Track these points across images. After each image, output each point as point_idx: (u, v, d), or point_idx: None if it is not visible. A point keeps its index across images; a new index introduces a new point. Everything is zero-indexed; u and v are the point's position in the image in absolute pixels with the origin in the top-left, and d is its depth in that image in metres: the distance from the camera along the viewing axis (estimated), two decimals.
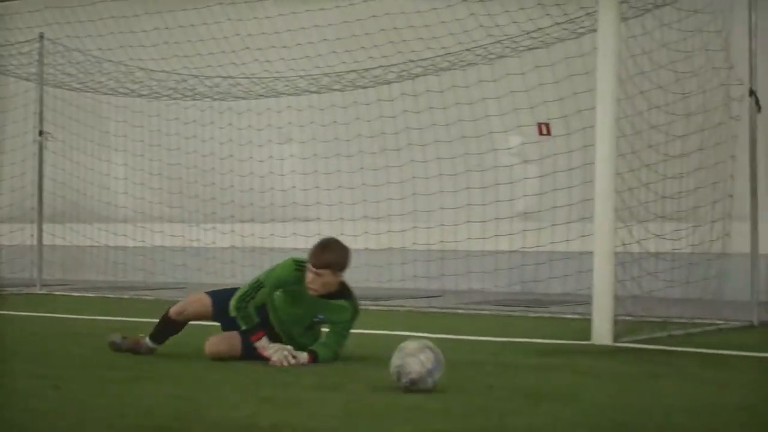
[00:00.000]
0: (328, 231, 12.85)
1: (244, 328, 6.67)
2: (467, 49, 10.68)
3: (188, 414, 4.81)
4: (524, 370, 6.61)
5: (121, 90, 13.12)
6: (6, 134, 15.20)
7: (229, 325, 6.81)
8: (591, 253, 8.06)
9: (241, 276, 13.25)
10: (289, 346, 6.65)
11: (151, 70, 12.66)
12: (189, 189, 13.93)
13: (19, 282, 14.67)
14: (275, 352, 6.58)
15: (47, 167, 14.42)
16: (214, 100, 13.02)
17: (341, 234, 12.42)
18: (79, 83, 13.58)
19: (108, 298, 12.67)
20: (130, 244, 14.77)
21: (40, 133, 13.92)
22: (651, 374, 6.46)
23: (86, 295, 13.10)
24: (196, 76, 12.42)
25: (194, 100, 13.07)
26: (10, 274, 15.32)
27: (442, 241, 12.01)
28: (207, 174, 13.58)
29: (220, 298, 6.83)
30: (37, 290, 13.75)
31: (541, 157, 11.75)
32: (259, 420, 4.64)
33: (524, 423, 4.66)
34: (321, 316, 6.86)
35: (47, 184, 14.45)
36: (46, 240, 14.56)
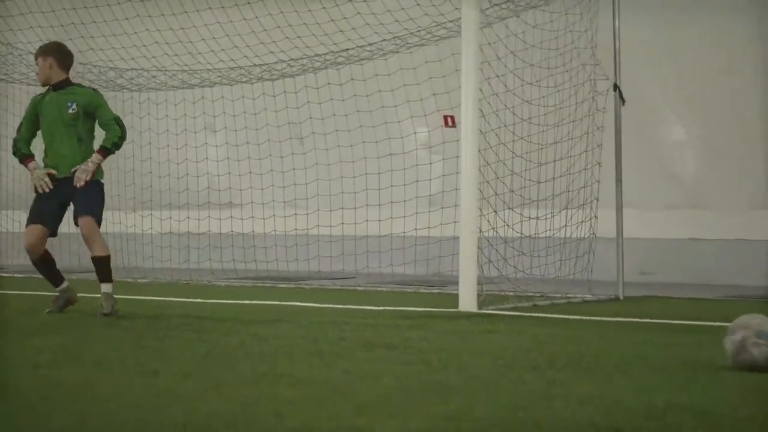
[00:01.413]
0: (239, 214, 13.68)
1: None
2: (359, 46, 11.52)
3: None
4: (379, 328, 7.50)
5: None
6: None
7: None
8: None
9: (161, 259, 13.99)
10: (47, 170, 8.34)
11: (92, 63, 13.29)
12: (110, 175, 14.50)
13: None
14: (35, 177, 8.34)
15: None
16: (132, 91, 13.71)
17: (252, 217, 13.40)
18: (3, 74, 14.12)
19: (30, 278, 13.35)
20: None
21: (17, 129, 14.46)
22: (488, 330, 7.37)
23: (15, 276, 13.75)
24: (114, 69, 13.09)
25: (114, 90, 13.73)
26: None
27: (342, 224, 12.81)
28: (127, 161, 14.20)
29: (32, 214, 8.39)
30: None
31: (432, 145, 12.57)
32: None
33: (349, 365, 5.52)
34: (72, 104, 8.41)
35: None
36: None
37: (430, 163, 12.58)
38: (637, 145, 11.72)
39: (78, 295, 8.77)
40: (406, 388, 4.84)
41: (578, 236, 10.68)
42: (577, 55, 10.53)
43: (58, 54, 8.48)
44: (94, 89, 8.75)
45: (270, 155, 13.28)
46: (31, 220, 8.33)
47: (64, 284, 8.62)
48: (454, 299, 9.12)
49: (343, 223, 12.81)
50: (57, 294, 8.60)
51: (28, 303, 9.49)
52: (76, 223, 8.35)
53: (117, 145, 8.33)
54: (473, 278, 8.90)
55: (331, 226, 12.90)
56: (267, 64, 12.23)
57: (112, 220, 14.39)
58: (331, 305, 9.37)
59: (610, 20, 10.48)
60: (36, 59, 8.57)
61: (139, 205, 14.22)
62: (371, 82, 12.41)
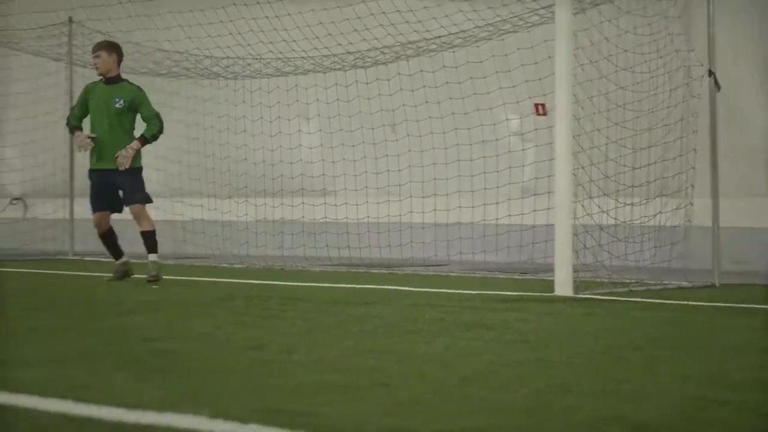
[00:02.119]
0: (333, 201, 13.80)
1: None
2: (451, 33, 11.55)
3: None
4: (476, 310, 7.56)
5: (141, 70, 14.01)
6: (39, 111, 16.03)
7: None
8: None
9: (256, 245, 14.19)
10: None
11: (168, 51, 13.56)
12: (207, 163, 14.78)
13: (52, 252, 15.66)
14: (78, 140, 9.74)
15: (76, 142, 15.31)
16: (227, 79, 13.90)
17: (345, 203, 13.50)
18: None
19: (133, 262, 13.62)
20: (158, 216, 15.55)
21: (71, 109, 14.93)
22: (586, 313, 7.39)
23: (111, 260, 14.04)
24: (209, 57, 13.32)
25: (210, 79, 13.96)
26: (45, 245, 16.25)
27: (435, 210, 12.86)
28: (223, 148, 14.46)
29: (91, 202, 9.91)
30: (69, 257, 14.75)
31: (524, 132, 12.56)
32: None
33: (450, 342, 5.60)
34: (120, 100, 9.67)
35: (78, 159, 15.35)
36: (79, 213, 15.44)
37: (523, 150, 12.58)
38: (732, 132, 11.58)
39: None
40: (509, 363, 4.90)
41: (673, 223, 10.61)
42: (671, 40, 10.45)
43: (120, 51, 9.94)
44: (139, 87, 9.91)
45: (363, 142, 13.38)
46: (92, 208, 9.95)
47: (123, 258, 10.09)
48: (548, 285, 9.11)
49: (435, 210, 12.86)
50: (118, 267, 10.04)
51: (126, 285, 9.72)
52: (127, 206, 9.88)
53: (155, 137, 9.74)
54: (569, 262, 8.89)
55: (423, 212, 12.96)
56: (360, 51, 12.32)
57: (208, 207, 14.67)
58: (426, 289, 9.44)
59: (704, 6, 10.37)
60: (97, 51, 9.85)
61: (234, 191, 14.42)
62: (463, 69, 12.43)
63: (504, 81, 12.20)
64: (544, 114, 12.45)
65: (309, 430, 3.38)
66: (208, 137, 14.59)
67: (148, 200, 9.87)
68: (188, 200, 14.95)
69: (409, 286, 9.70)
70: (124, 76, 10.09)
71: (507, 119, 12.68)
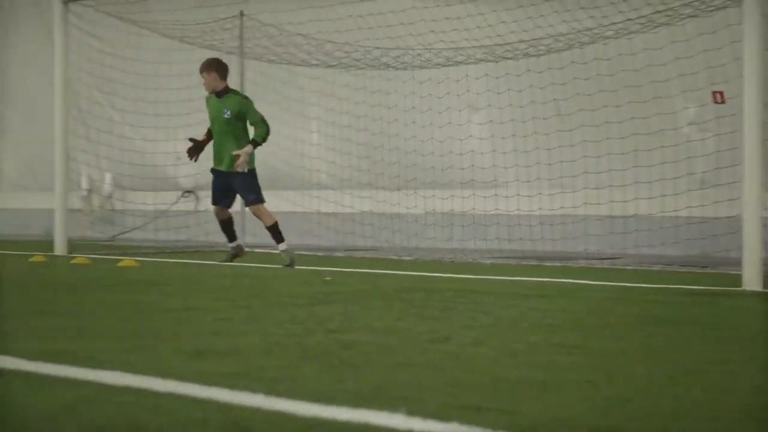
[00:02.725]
0: (504, 193, 13.57)
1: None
2: (628, 19, 11.17)
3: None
4: (663, 304, 7.24)
5: (312, 61, 14.04)
6: None
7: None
8: None
9: (425, 237, 14.09)
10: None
11: (338, 43, 13.54)
12: (375, 154, 14.74)
13: (222, 244, 15.79)
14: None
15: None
16: (397, 69, 13.79)
17: (517, 195, 13.26)
18: (275, 56, 14.59)
19: (304, 255, 13.66)
20: (325, 208, 15.62)
21: None
22: None
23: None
24: (380, 48, 13.23)
25: (379, 69, 13.88)
26: (216, 237, 16.43)
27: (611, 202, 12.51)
28: (392, 140, 14.38)
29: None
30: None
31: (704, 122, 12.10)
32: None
33: (644, 338, 5.33)
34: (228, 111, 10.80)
35: None
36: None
37: (702, 140, 12.11)
38: None
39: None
40: (716, 362, 4.61)
41: None
42: None
43: (219, 68, 11.03)
44: (244, 96, 11.08)
45: (535, 132, 13.10)
46: (213, 201, 11.25)
47: (236, 242, 11.46)
48: (733, 279, 8.71)
49: (611, 202, 12.50)
50: (231, 247, 11.39)
51: (301, 276, 9.69)
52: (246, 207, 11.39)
53: (264, 139, 10.82)
54: (758, 255, 8.49)
55: (598, 204, 12.61)
56: (533, 39, 12.04)
57: (377, 199, 14.61)
58: (605, 282, 9.13)
59: None
60: (201, 73, 11.00)
61: (403, 183, 14.32)
62: (641, 56, 12.04)
63: (684, 68, 11.76)
64: (723, 102, 11.99)
65: (515, 430, 3.18)
66: (377, 129, 14.53)
67: (260, 200, 10.96)
68: (357, 192, 14.93)
69: (587, 279, 9.41)
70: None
71: (686, 108, 12.23)
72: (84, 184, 18.17)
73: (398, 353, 4.79)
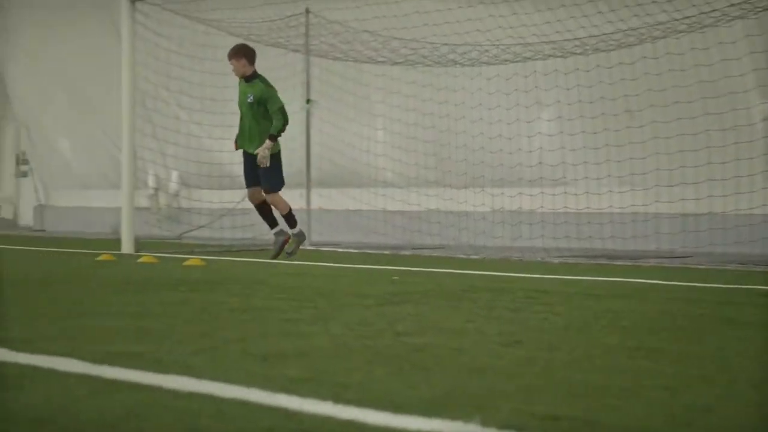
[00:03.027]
0: (573, 191, 13.37)
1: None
2: (702, 12, 10.91)
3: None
4: (739, 306, 7.02)
5: (378, 58, 13.93)
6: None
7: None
8: None
9: (492, 236, 13.92)
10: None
11: (404, 39, 13.41)
12: (442, 152, 14.60)
13: None
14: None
15: (314, 133, 15.45)
16: (464, 66, 13.63)
17: (586, 193, 13.05)
18: (341, 53, 14.51)
19: (370, 253, 13.56)
20: (391, 206, 15.51)
21: (307, 101, 15.05)
22: None
23: (350, 251, 14.05)
24: (447, 44, 13.09)
25: (446, 66, 13.74)
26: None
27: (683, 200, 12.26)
28: (459, 137, 14.23)
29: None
30: (306, 247, 14.83)
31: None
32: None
33: (721, 342, 5.14)
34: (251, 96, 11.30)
35: (314, 149, 15.47)
36: (316, 202, 15.60)
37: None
38: None
39: None
40: None
41: None
42: None
43: (248, 53, 11.50)
44: (267, 84, 11.43)
45: (605, 129, 12.87)
46: (246, 184, 11.70)
47: (278, 228, 11.77)
48: None
49: (683, 200, 12.25)
50: (277, 238, 11.69)
51: (368, 276, 9.59)
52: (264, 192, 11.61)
53: (280, 131, 11.29)
54: None
55: (670, 202, 12.36)
56: (604, 34, 11.82)
57: (443, 197, 14.47)
58: (677, 282, 8.91)
59: None
60: (230, 59, 11.44)
61: (470, 181, 14.17)
62: (714, 50, 11.78)
63: (759, 62, 11.48)
64: None
65: None
66: (444, 126, 14.39)
67: (274, 190, 11.51)
68: (423, 190, 14.81)
69: (658, 279, 9.19)
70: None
71: (762, 103, 11.94)
72: (151, 183, 18.24)
73: (470, 357, 4.66)
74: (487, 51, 12.85)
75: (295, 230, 11.79)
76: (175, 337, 5.17)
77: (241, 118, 11.60)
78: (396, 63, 13.92)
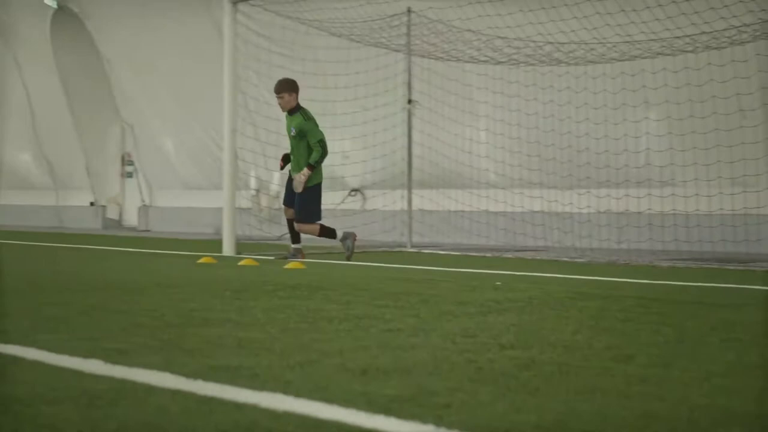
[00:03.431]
0: (682, 192, 12.98)
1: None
2: None
3: None
4: None
5: (481, 58, 13.70)
6: (378, 103, 16.11)
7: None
8: None
9: (599, 238, 13.59)
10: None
11: (508, 38, 13.15)
12: (547, 153, 14.32)
13: (392, 244, 15.68)
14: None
15: (415, 134, 15.28)
16: (569, 65, 13.32)
17: (696, 195, 12.65)
18: (443, 53, 14.31)
19: (472, 256, 13.35)
20: (493, 207, 15.30)
21: (409, 101, 14.88)
22: None
23: (452, 253, 13.86)
24: (551, 43, 12.80)
25: (550, 65, 13.44)
26: (383, 236, 16.34)
27: None
28: (564, 138, 13.94)
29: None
30: (407, 249, 14.68)
31: None
32: None
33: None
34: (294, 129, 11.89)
35: (416, 149, 15.30)
36: (417, 203, 15.43)
37: None
38: None
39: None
40: None
41: None
42: None
43: (295, 88, 12.15)
44: (306, 117, 12.03)
45: (716, 129, 12.47)
46: (283, 201, 12.37)
47: (340, 234, 12.31)
48: None
49: None
50: (291, 252, 12.23)
51: (470, 281, 9.37)
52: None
53: (318, 163, 11.94)
54: None
55: None
56: (714, 30, 11.43)
57: (547, 198, 14.18)
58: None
59: None
60: (281, 93, 12.00)
61: (575, 182, 13.86)
62: None
63: None
64: None
65: None
66: (548, 126, 14.10)
67: (306, 220, 12.01)
68: (527, 191, 14.54)
69: None
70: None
71: None
72: (253, 184, 18.26)
73: (579, 375, 4.42)
74: (593, 49, 12.53)
75: (340, 236, 12.30)
76: (273, 348, 5.03)
77: (290, 146, 12.18)
78: (499, 62, 13.68)
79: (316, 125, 12.04)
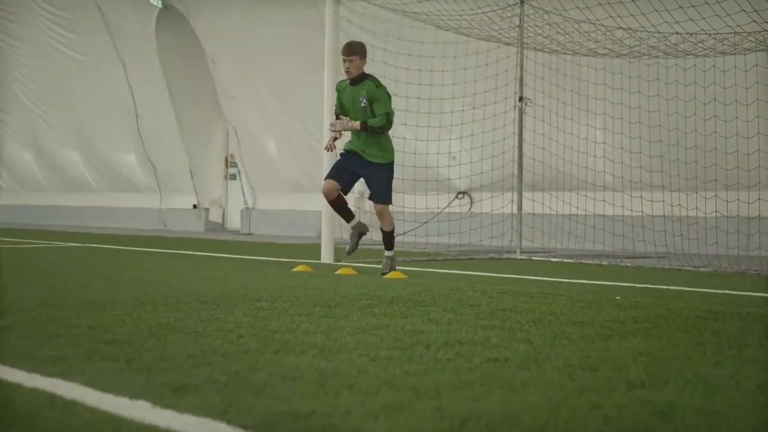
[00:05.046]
0: None
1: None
2: None
3: None
4: None
5: (600, 51, 12.80)
6: (487, 101, 15.39)
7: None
8: None
9: (726, 246, 12.58)
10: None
11: (631, 29, 12.22)
12: (670, 153, 13.38)
13: (500, 249, 14.87)
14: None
15: (526, 133, 14.47)
16: (697, 57, 12.34)
17: None
18: (558, 46, 13.46)
19: (587, 264, 12.48)
20: (609, 211, 14.49)
21: (520, 98, 14.03)
22: None
23: (565, 261, 13.00)
24: (679, 33, 11.83)
25: (676, 58, 12.47)
26: (490, 241, 15.55)
27: None
28: (689, 136, 12.96)
29: (332, 170, 10.53)
30: (516, 256, 13.86)
31: None
32: None
33: None
34: (363, 99, 10.13)
35: (526, 150, 14.48)
36: (526, 207, 14.62)
37: None
38: None
39: None
40: None
41: None
42: None
43: (365, 52, 10.36)
44: (377, 83, 10.23)
45: None
46: (329, 175, 10.50)
47: (355, 220, 10.74)
48: None
49: None
50: (354, 231, 10.70)
51: (586, 294, 8.49)
52: (371, 198, 10.58)
53: (373, 129, 10.08)
54: None
55: None
56: None
57: (670, 202, 13.25)
58: None
59: None
60: (352, 56, 10.21)
61: (700, 185, 12.86)
62: None
63: None
64: None
65: None
66: (672, 125, 13.13)
67: (389, 201, 10.41)
68: (646, 194, 13.62)
69: None
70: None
71: None
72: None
73: (728, 426, 3.55)
74: (724, 39, 11.50)
75: (389, 253, 10.76)
76: (358, 386, 4.24)
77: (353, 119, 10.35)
78: (620, 55, 12.73)
79: (390, 97, 10.23)
